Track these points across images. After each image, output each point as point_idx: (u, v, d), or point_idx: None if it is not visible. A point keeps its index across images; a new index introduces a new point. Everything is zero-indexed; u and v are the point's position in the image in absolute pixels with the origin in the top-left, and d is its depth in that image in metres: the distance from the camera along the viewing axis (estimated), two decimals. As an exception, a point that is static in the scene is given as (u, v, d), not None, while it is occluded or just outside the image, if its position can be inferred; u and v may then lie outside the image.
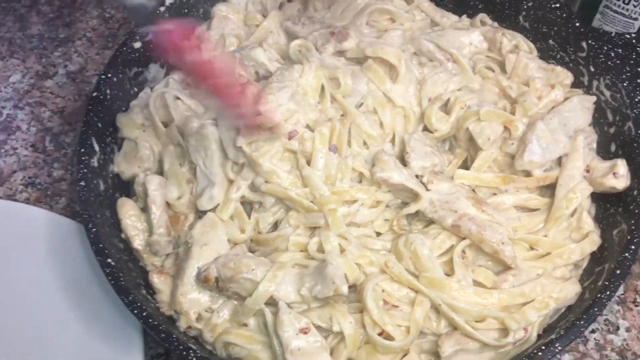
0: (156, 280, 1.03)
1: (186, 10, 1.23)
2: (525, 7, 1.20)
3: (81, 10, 1.48)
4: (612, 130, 1.10)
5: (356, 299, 0.97)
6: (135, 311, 0.93)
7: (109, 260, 0.97)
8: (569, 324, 0.92)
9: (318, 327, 0.94)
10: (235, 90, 0.94)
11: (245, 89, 0.96)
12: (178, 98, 1.14)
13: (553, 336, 0.91)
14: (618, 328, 1.09)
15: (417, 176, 1.03)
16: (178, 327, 0.99)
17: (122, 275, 0.97)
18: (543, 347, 0.90)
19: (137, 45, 1.17)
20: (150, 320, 0.92)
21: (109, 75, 1.13)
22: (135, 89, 1.19)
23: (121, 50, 1.16)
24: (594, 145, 1.10)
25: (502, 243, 0.97)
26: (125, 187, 1.13)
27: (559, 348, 0.89)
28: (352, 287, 0.97)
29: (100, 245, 0.98)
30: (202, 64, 0.89)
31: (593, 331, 1.09)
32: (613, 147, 1.09)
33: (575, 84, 1.15)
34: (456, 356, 0.95)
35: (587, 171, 1.05)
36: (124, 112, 1.16)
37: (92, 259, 0.99)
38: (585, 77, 1.14)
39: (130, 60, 1.17)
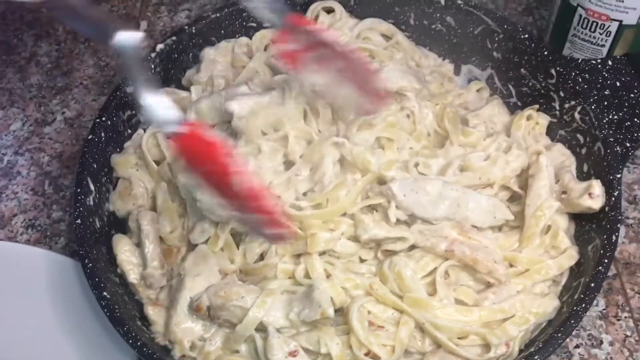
0: (151, 312, 1.07)
1: (176, 55, 1.30)
2: (496, 39, 1.26)
3: (78, 60, 1.54)
4: (583, 151, 1.14)
5: (343, 322, 1.00)
6: (131, 341, 0.96)
7: (105, 293, 1.01)
8: (547, 336, 0.95)
9: (306, 350, 0.98)
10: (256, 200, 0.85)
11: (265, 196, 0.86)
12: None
13: (532, 349, 0.94)
14: (602, 342, 1.12)
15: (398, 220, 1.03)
16: (172, 356, 1.02)
17: (118, 307, 1.01)
18: (524, 360, 0.93)
19: (130, 89, 1.23)
20: (144, 349, 0.96)
21: (104, 119, 1.19)
22: (129, 131, 1.25)
23: (114, 95, 1.22)
24: (573, 168, 1.14)
25: (495, 262, 1.01)
26: (121, 225, 1.17)
27: (537, 360, 0.93)
28: (339, 311, 1.01)
29: (97, 280, 1.02)
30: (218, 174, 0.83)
31: (577, 346, 1.12)
32: (586, 167, 1.14)
33: (547, 109, 1.20)
34: (441, 373, 0.98)
35: (564, 193, 1.09)
36: (118, 153, 1.22)
37: (90, 294, 1.03)
38: (556, 102, 1.19)
39: (123, 104, 1.22)
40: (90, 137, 1.17)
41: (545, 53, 1.20)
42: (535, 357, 0.93)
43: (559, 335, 0.94)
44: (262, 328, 0.99)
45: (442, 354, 0.98)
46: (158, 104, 0.84)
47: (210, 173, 0.84)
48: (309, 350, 0.98)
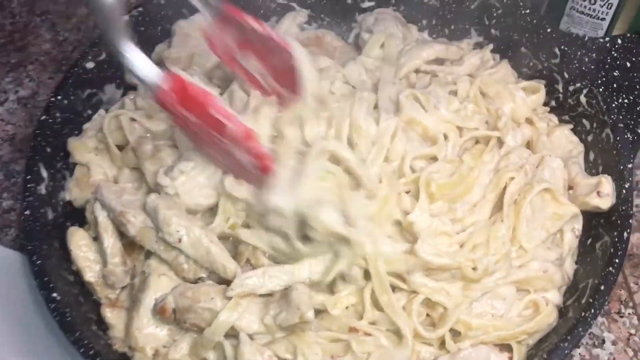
0: (109, 314, 0.96)
1: (143, 29, 1.17)
2: (495, 14, 1.16)
3: (33, 34, 1.41)
4: (590, 138, 1.04)
5: (325, 327, 0.89)
6: (82, 349, 0.85)
7: (55, 294, 0.89)
8: (552, 346, 0.85)
9: (283, 360, 0.87)
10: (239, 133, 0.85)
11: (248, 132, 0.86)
12: (134, 120, 1.08)
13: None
14: (604, 341, 1.03)
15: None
16: (132, 364, 0.91)
17: (70, 310, 0.89)
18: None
19: (90, 65, 1.11)
20: (98, 359, 0.84)
21: (60, 97, 1.07)
22: (89, 112, 1.12)
23: (73, 71, 1.09)
24: (581, 158, 1.04)
25: None
26: (78, 216, 1.05)
27: (544, 373, 0.82)
28: (321, 313, 0.90)
29: (46, 279, 0.90)
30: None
31: (577, 346, 1.02)
32: (592, 156, 1.04)
33: (550, 92, 1.10)
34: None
35: (571, 188, 0.99)
36: (75, 136, 1.09)
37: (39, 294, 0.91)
38: (559, 84, 1.09)
39: (83, 82, 1.10)
40: (43, 117, 1.05)
41: (549, 30, 1.09)
42: (540, 370, 0.83)
43: (565, 345, 0.84)
44: (233, 334, 0.88)
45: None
46: (139, 59, 0.83)
47: (203, 120, 0.85)
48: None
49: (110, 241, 0.98)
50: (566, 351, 0.84)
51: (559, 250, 0.96)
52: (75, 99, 1.10)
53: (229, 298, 0.88)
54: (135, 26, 1.16)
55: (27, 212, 0.96)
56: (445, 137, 0.98)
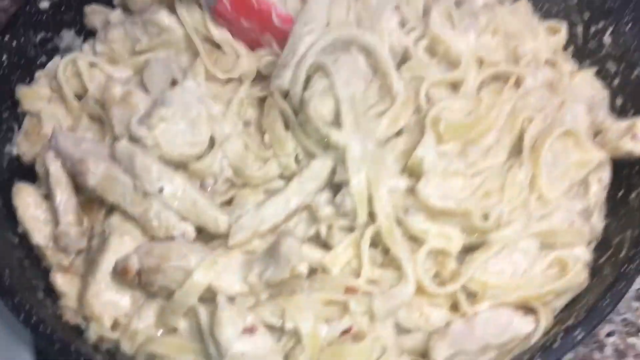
0: (59, 280, 0.81)
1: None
2: (502, -46, 1.03)
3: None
4: (616, 82, 0.92)
5: (319, 286, 0.75)
6: (22, 315, 0.70)
7: (-9, 255, 0.74)
8: (588, 306, 0.72)
9: (270, 328, 0.72)
10: None
11: None
12: (94, 65, 0.94)
13: (570, 322, 0.70)
14: (639, 330, 0.89)
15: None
16: (86, 339, 0.76)
17: (10, 273, 0.74)
18: (561, 336, 0.69)
19: (45, 5, 0.97)
20: (41, 326, 0.69)
21: (7, 38, 0.93)
22: (44, 58, 0.98)
23: (23, 10, 0.95)
24: (605, 104, 0.92)
25: None
26: (28, 175, 0.90)
27: (580, 337, 0.69)
28: (314, 272, 0.76)
29: (-18, 237, 0.75)
30: None
31: (610, 334, 0.88)
32: (619, 102, 0.91)
33: (569, 38, 0.97)
34: (452, 360, 0.74)
35: (598, 133, 0.87)
36: (27, 84, 0.95)
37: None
38: (579, 25, 0.97)
39: (35, 23, 0.97)
40: (-14, 58, 0.90)
41: (565, -35, 0.97)
42: (577, 333, 0.69)
43: (606, 303, 0.71)
44: (210, 297, 0.74)
45: (454, 337, 0.74)
46: None
47: (265, 27, 0.88)
48: (272, 327, 0.72)
49: (64, 196, 0.83)
50: (607, 310, 0.70)
51: (584, 202, 0.83)
52: (26, 41, 0.96)
53: (231, 248, 0.77)
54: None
55: (-39, 160, 0.81)
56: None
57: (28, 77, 0.96)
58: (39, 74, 0.97)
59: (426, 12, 0.89)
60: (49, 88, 0.95)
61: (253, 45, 0.90)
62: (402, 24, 0.89)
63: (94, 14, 1.01)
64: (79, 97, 0.93)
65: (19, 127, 0.93)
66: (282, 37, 0.86)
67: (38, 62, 0.98)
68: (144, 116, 0.83)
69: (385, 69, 0.82)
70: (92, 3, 1.01)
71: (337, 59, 0.81)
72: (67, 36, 1.01)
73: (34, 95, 0.93)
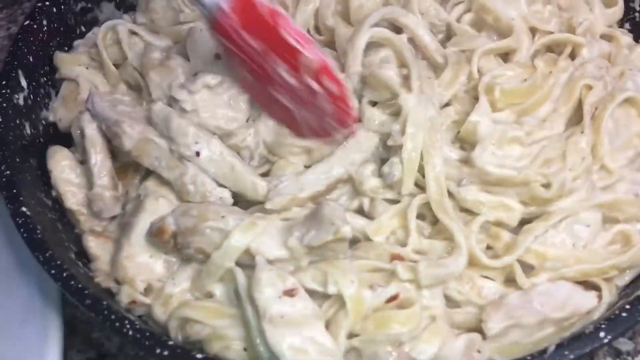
0: (92, 243, 0.78)
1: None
2: None
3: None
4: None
5: (363, 255, 0.70)
6: (54, 272, 0.66)
7: (24, 209, 0.71)
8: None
9: (311, 292, 0.68)
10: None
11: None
12: (134, 33, 0.92)
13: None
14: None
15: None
16: (118, 302, 0.72)
17: (42, 230, 0.71)
18: (628, 308, 0.63)
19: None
20: (72, 283, 0.66)
21: (47, 3, 0.91)
22: (83, 29, 0.97)
23: (64, -23, 0.94)
24: None
25: None
26: (63, 141, 0.88)
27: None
28: (358, 241, 0.72)
29: (14, 191, 0.73)
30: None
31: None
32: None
33: (626, 13, 0.93)
34: (506, 334, 0.68)
35: None
36: (65, 52, 0.93)
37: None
38: (636, 1, 0.92)
39: (76, -9, 0.95)
40: (27, 22, 0.89)
41: None
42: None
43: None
44: (248, 263, 0.70)
45: (508, 309, 0.68)
46: None
47: (271, 47, 0.71)
48: (316, 291, 0.68)
49: (99, 157, 0.80)
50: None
51: (650, 174, 0.77)
52: (66, 9, 0.94)
53: (267, 211, 0.73)
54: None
55: (-1, 119, 0.79)
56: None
57: (66, 45, 0.94)
58: (77, 42, 0.95)
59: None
60: (87, 55, 0.93)
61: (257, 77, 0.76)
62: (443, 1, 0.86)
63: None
64: (117, 66, 0.91)
65: (57, 94, 0.91)
66: (293, 60, 0.71)
67: (78, 32, 0.96)
68: (187, 81, 0.80)
69: (427, 44, 0.79)
70: (134, -25, 1.00)
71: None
72: (107, 8, 1.00)
73: (73, 61, 0.91)
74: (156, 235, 0.72)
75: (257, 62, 0.72)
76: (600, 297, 0.69)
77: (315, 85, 0.70)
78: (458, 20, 0.84)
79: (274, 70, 0.71)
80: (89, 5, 0.97)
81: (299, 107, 0.74)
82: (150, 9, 0.95)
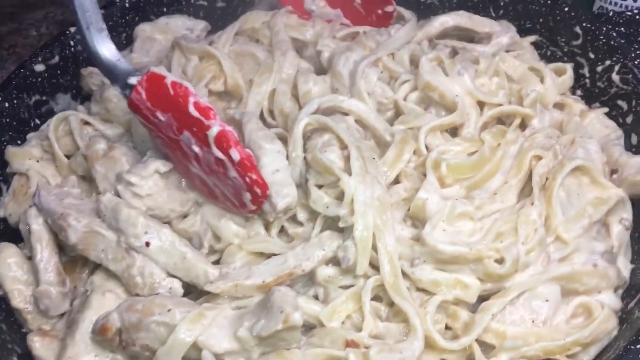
0: (37, 344, 0.75)
1: (103, 33, 1.03)
2: (501, 3, 1.02)
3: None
4: (629, 119, 0.89)
5: (317, 343, 0.68)
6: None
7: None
8: (619, 350, 0.64)
9: (262, 386, 0.65)
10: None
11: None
12: (87, 123, 0.92)
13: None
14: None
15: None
16: (63, 406, 0.69)
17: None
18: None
19: (40, 68, 0.97)
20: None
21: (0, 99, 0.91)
22: (37, 121, 0.97)
23: (19, 72, 0.95)
24: (621, 142, 0.88)
25: None
26: (14, 237, 0.86)
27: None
28: (308, 328, 0.69)
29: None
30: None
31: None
32: (635, 139, 0.87)
33: (575, 80, 0.93)
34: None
35: (615, 172, 0.83)
36: (18, 145, 0.92)
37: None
38: (585, 67, 0.94)
39: (30, 85, 0.96)
40: (-23, 119, 0.89)
41: (566, 9, 0.95)
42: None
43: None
44: (195, 358, 0.67)
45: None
46: (109, 54, 0.76)
47: (181, 124, 0.72)
48: (265, 386, 0.65)
49: (45, 253, 0.78)
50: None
51: (607, 244, 0.76)
52: (20, 103, 0.94)
53: (217, 301, 0.71)
54: (96, 31, 1.02)
55: (-57, 218, 0.78)
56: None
57: (19, 139, 0.94)
58: (30, 135, 0.94)
59: (414, 64, 0.87)
60: (39, 148, 0.92)
61: (173, 150, 0.77)
62: (390, 79, 0.87)
63: (91, 77, 0.99)
64: (69, 157, 0.91)
65: (7, 189, 0.90)
66: (199, 132, 0.71)
67: (31, 125, 0.96)
68: (137, 167, 0.79)
69: (373, 125, 0.80)
70: (89, 66, 1.01)
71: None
72: (63, 100, 1.00)
73: (24, 155, 0.90)
74: (100, 333, 0.69)
75: (168, 135, 0.73)
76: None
77: (220, 155, 0.70)
78: (405, 98, 0.84)
79: (185, 142, 0.72)
80: (44, 98, 0.98)
81: (214, 180, 0.74)
82: (104, 98, 0.95)
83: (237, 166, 0.70)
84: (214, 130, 0.69)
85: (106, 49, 0.76)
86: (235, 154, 0.70)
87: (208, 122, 0.69)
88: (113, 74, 0.75)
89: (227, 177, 0.72)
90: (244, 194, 0.72)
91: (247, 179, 0.71)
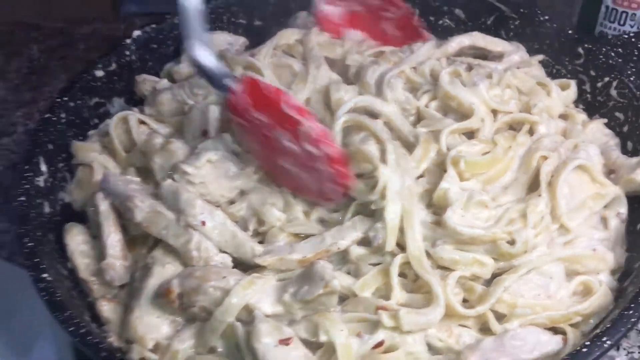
0: (105, 307, 0.85)
1: (155, 45, 1.15)
2: (512, 26, 1.14)
3: (49, 76, 1.41)
4: (625, 129, 0.99)
5: (352, 309, 0.78)
6: (72, 329, 0.74)
7: (45, 275, 0.79)
8: (614, 317, 0.74)
9: (305, 341, 0.75)
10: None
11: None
12: (143, 123, 1.03)
13: (598, 330, 0.73)
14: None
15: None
16: (129, 359, 0.79)
17: (61, 294, 0.79)
18: (587, 344, 0.71)
19: (99, 74, 1.08)
20: (89, 338, 0.73)
21: (65, 99, 1.03)
22: (96, 121, 1.08)
23: (81, 76, 1.06)
24: (618, 148, 0.99)
25: None
26: (78, 220, 0.97)
27: (607, 344, 0.71)
28: (346, 298, 0.80)
29: (36, 260, 0.81)
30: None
31: None
32: (630, 145, 0.98)
33: (579, 95, 1.05)
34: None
35: (612, 172, 0.93)
36: (80, 140, 1.04)
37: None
38: (587, 84, 1.05)
39: (91, 88, 1.07)
40: (47, 115, 1.00)
41: (570, 32, 1.07)
42: (605, 338, 0.71)
43: (631, 312, 0.73)
44: (247, 319, 0.77)
45: (484, 353, 0.75)
46: (210, 61, 0.84)
47: (275, 122, 0.82)
48: (308, 341, 0.75)
49: (111, 230, 0.89)
50: (632, 319, 0.72)
51: (605, 233, 0.87)
52: (82, 104, 1.06)
53: (255, 266, 0.82)
54: (147, 42, 1.14)
55: (22, 198, 0.89)
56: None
57: (81, 135, 1.05)
58: (91, 132, 1.06)
59: (434, 77, 0.97)
60: (99, 144, 1.03)
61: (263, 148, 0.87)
62: (412, 90, 0.98)
63: (144, 83, 1.11)
64: (127, 152, 1.02)
65: (72, 179, 1.01)
66: (293, 129, 0.81)
67: (91, 124, 1.07)
68: (191, 158, 0.90)
69: (398, 127, 0.91)
70: (142, 74, 1.13)
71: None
72: (118, 103, 1.11)
73: (88, 149, 1.01)
74: (163, 296, 0.80)
75: (263, 134, 0.84)
76: (565, 341, 0.77)
77: (314, 150, 0.80)
78: (426, 106, 0.95)
79: (278, 139, 0.82)
80: (102, 100, 1.09)
81: (301, 171, 0.84)
82: (157, 102, 1.06)
83: (327, 159, 0.80)
84: (307, 127, 0.79)
85: (206, 57, 0.84)
86: (327, 149, 0.80)
87: (304, 121, 0.80)
88: (213, 79, 0.85)
89: (316, 170, 0.82)
90: (331, 185, 0.82)
91: (335, 171, 0.81)
